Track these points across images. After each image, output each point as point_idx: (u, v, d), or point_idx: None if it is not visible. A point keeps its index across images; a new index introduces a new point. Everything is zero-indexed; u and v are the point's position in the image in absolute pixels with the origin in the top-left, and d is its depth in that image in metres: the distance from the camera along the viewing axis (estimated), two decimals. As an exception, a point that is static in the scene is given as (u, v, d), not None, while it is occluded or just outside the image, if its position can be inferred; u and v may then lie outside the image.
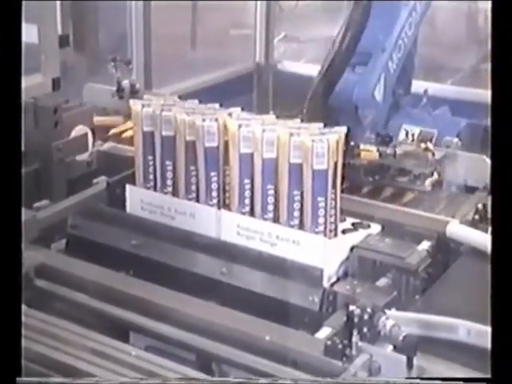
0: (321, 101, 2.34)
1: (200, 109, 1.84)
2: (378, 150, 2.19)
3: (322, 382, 1.36)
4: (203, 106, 1.88)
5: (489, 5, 1.30)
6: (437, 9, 4.05)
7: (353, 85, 2.44)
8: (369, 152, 2.18)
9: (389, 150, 2.19)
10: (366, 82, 2.48)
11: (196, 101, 1.94)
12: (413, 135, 2.74)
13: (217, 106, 1.89)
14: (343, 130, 1.74)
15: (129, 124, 2.29)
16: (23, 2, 1.34)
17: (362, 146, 2.18)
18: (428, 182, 2.14)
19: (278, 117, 1.84)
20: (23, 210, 1.68)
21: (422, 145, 2.22)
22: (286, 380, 1.38)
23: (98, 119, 2.36)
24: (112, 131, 2.42)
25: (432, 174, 2.14)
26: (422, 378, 1.34)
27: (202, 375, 1.43)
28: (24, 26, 1.67)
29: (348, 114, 2.39)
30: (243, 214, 1.75)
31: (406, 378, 1.34)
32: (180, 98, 1.98)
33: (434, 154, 2.16)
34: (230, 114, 1.79)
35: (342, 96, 2.38)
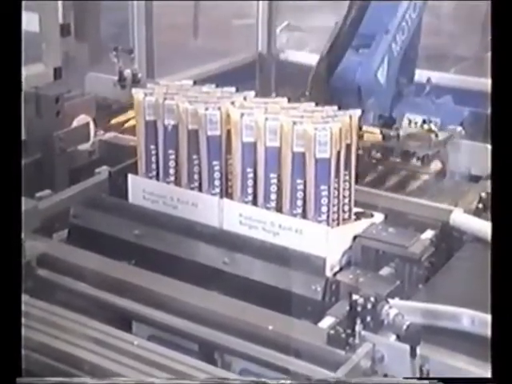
0: (323, 82, 2.34)
1: (203, 97, 1.83)
2: (381, 132, 2.18)
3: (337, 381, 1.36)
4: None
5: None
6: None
7: (356, 66, 2.43)
8: (372, 134, 2.17)
9: (392, 132, 2.18)
10: (369, 64, 2.47)
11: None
12: (416, 124, 2.74)
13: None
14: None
15: (131, 113, 2.28)
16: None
17: (364, 128, 2.17)
18: (432, 164, 2.13)
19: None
20: (25, 199, 1.70)
21: (425, 126, 2.21)
22: (302, 380, 1.39)
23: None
24: (114, 120, 2.41)
25: (435, 157, 2.13)
26: (421, 378, 1.34)
27: (205, 365, 1.43)
28: (25, 15, 1.66)
29: (350, 95, 2.38)
30: (246, 203, 1.75)
31: (406, 378, 1.34)
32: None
33: (437, 135, 2.15)
34: (232, 103, 1.78)
35: (344, 77, 2.37)
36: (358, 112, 1.74)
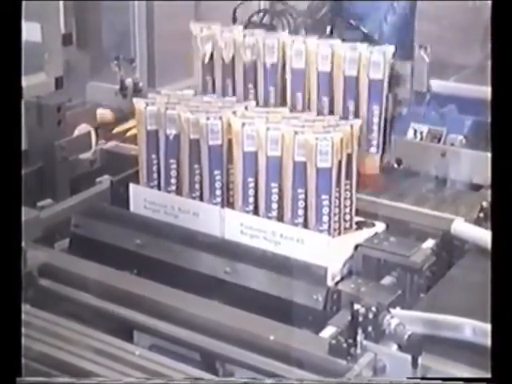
0: None
1: (205, 107, 1.84)
2: None
3: (329, 382, 1.36)
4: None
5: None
6: (441, 4, 4.04)
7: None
8: None
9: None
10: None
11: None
12: (421, 133, 2.73)
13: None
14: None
15: (132, 122, 2.29)
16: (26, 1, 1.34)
17: None
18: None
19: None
20: (27, 209, 1.70)
21: None
22: (291, 380, 1.38)
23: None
24: (116, 130, 2.41)
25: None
26: (422, 378, 1.33)
27: (206, 375, 1.43)
28: (27, 24, 1.66)
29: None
30: (247, 212, 1.75)
31: (407, 378, 1.33)
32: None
33: None
34: (234, 113, 1.79)
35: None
36: (359, 122, 1.74)
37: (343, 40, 1.90)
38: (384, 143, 1.83)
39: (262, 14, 2.61)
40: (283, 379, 1.38)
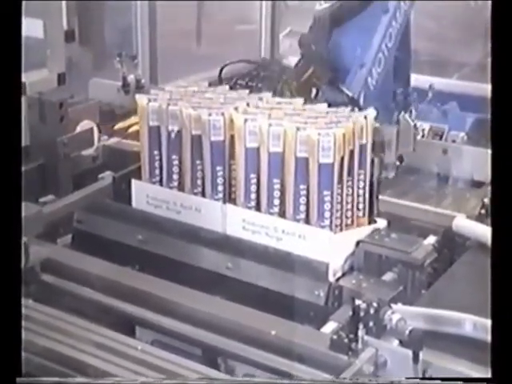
0: None
1: (207, 103, 1.84)
2: None
3: (339, 382, 1.36)
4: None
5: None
6: (442, 3, 4.04)
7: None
8: None
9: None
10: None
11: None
12: (423, 130, 2.73)
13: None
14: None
15: (134, 119, 2.29)
16: (29, -3, 1.35)
17: None
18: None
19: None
20: (29, 204, 1.71)
21: None
22: (305, 380, 1.38)
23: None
24: (118, 126, 2.42)
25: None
26: (422, 378, 1.34)
27: (207, 370, 1.43)
28: (30, 20, 1.67)
29: None
30: (249, 208, 1.75)
31: (406, 379, 1.34)
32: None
33: None
34: (236, 109, 1.79)
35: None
36: (361, 119, 1.74)
37: (329, 105, 1.84)
38: (371, 206, 1.80)
39: (248, 77, 2.57)
40: (299, 380, 1.39)
